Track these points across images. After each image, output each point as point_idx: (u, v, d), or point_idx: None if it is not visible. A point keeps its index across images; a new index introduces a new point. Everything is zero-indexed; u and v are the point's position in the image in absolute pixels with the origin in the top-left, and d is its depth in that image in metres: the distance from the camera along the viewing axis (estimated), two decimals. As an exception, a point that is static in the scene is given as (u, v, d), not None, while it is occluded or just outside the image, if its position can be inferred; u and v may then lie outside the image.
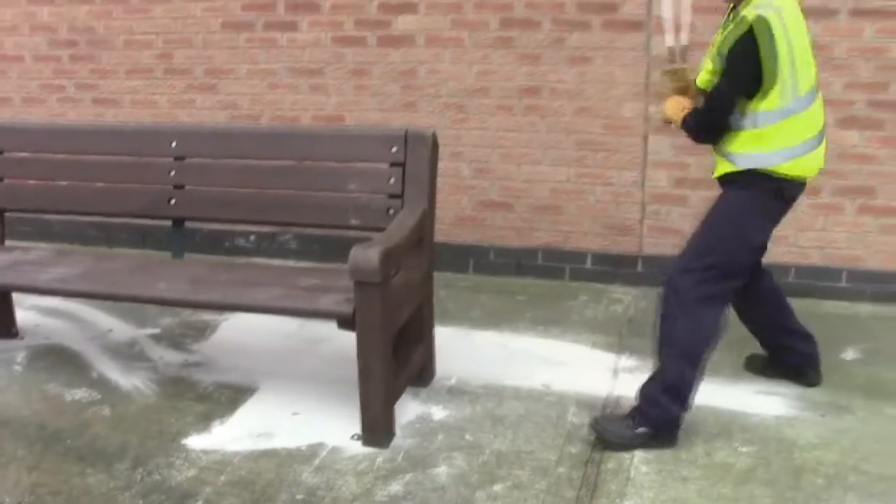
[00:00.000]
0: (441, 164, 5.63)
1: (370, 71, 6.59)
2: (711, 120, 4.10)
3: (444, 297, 5.89)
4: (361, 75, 6.62)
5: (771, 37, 3.82)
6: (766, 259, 5.13)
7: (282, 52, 6.74)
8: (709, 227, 4.17)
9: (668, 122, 4.35)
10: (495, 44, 6.29)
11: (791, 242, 5.99)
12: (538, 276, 6.50)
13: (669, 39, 4.25)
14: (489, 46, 6.30)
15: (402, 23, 6.45)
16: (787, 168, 4.04)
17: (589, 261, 6.37)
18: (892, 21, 5.58)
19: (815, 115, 4.11)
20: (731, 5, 4.08)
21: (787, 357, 4.72)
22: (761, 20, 3.80)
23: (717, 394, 4.62)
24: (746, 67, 3.91)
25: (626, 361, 5.07)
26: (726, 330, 4.20)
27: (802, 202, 5.74)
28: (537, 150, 6.33)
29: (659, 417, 4.10)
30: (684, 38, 4.22)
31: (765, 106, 3.96)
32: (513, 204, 6.51)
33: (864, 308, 5.88)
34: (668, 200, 6.04)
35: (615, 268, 6.21)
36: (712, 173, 4.24)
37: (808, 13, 5.38)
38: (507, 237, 6.57)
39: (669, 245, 5.74)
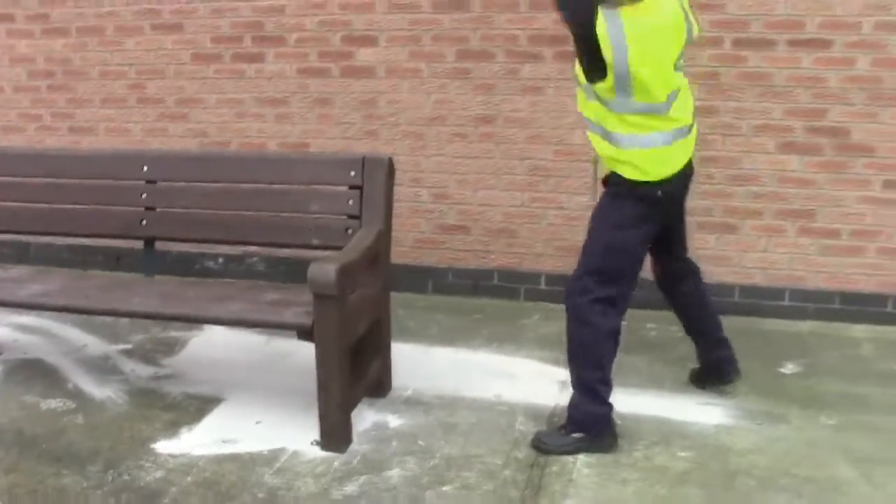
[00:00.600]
0: (401, 190, 5.83)
1: (333, 100, 6.74)
2: None
3: (404, 316, 6.09)
4: (325, 104, 6.76)
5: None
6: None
7: (249, 82, 6.87)
8: (588, 234, 4.39)
9: None
10: (452, 74, 6.46)
11: (735, 263, 6.18)
12: (494, 297, 6.64)
13: None
14: (446, 77, 6.48)
15: (364, 55, 6.60)
16: (638, 161, 4.14)
17: (543, 281, 6.52)
18: (828, 52, 5.76)
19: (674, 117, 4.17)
20: None
21: (707, 356, 4.97)
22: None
23: (659, 404, 4.84)
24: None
25: (574, 375, 5.25)
26: (622, 334, 4.39)
27: (746, 225, 6.00)
28: (492, 175, 6.51)
29: (584, 419, 4.34)
30: None
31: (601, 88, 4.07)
32: (470, 227, 6.67)
33: (805, 325, 6.04)
34: (617, 224, 6.22)
35: (568, 288, 6.33)
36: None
37: (749, 44, 5.72)
38: (464, 259, 6.73)
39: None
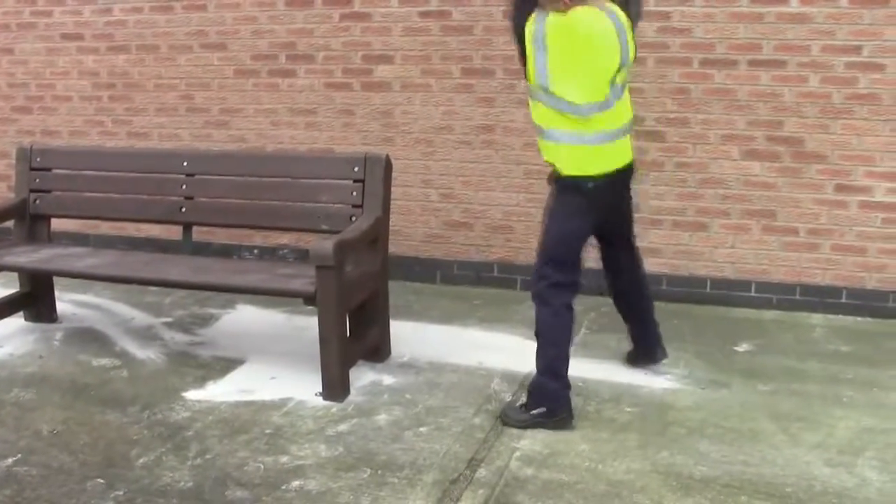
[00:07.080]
0: (412, 190, 6.47)
1: (355, 111, 7.31)
2: None
3: (412, 301, 6.76)
4: (348, 115, 7.34)
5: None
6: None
7: (283, 94, 7.48)
8: (543, 229, 4.79)
9: None
10: (458, 89, 7.02)
11: (707, 258, 6.69)
12: (494, 287, 7.18)
13: None
14: (453, 91, 7.03)
15: (381, 71, 7.18)
16: (575, 162, 4.54)
17: (537, 273, 7.09)
18: (783, 70, 6.30)
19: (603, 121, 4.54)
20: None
21: (639, 340, 5.39)
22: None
23: (619, 373, 5.43)
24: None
25: (552, 349, 5.86)
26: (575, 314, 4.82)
27: (715, 224, 6.52)
28: (492, 178, 7.05)
29: (543, 396, 4.70)
30: None
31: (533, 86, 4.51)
32: (473, 224, 7.20)
33: (769, 314, 6.55)
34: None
35: (559, 279, 6.83)
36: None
37: (714, 63, 6.20)
38: (467, 252, 7.26)
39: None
